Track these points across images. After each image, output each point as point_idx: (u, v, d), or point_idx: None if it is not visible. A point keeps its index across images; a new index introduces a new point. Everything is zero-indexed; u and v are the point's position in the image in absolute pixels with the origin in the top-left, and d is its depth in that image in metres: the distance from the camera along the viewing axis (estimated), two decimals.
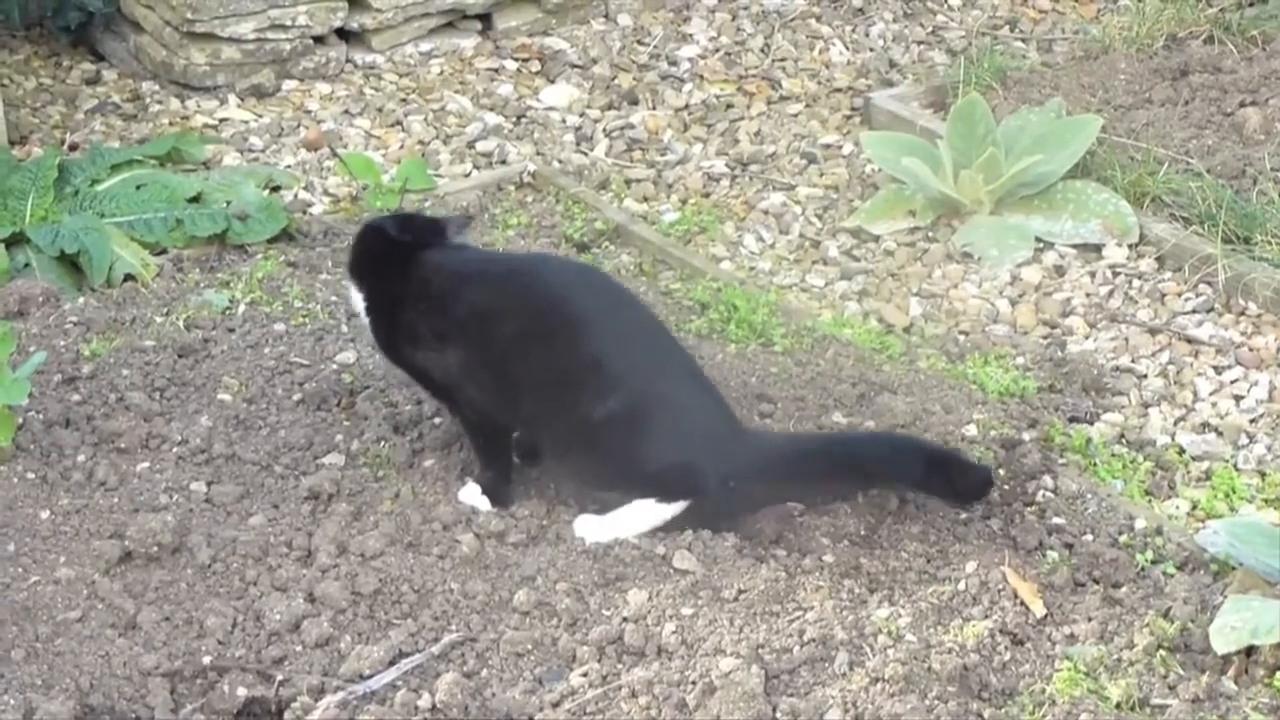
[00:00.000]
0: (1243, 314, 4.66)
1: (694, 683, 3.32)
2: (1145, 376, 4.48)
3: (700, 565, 3.66)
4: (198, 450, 3.95)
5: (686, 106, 5.71)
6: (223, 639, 3.47)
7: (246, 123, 5.53)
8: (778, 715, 3.26)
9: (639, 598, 3.55)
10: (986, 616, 3.51)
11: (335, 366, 4.25)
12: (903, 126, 5.40)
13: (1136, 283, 4.82)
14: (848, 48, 6.02)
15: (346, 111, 5.62)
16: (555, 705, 3.33)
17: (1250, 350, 4.53)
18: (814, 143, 5.53)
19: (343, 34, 5.86)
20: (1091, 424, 4.26)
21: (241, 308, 4.50)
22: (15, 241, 4.73)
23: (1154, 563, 3.73)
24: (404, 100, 5.68)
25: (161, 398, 4.14)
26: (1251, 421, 4.31)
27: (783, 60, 5.95)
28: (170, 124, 5.51)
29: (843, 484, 3.82)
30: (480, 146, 5.46)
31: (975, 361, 4.45)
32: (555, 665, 3.44)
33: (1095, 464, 4.10)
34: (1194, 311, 4.69)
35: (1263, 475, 4.12)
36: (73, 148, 5.36)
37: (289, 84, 5.73)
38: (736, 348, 4.40)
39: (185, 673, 3.41)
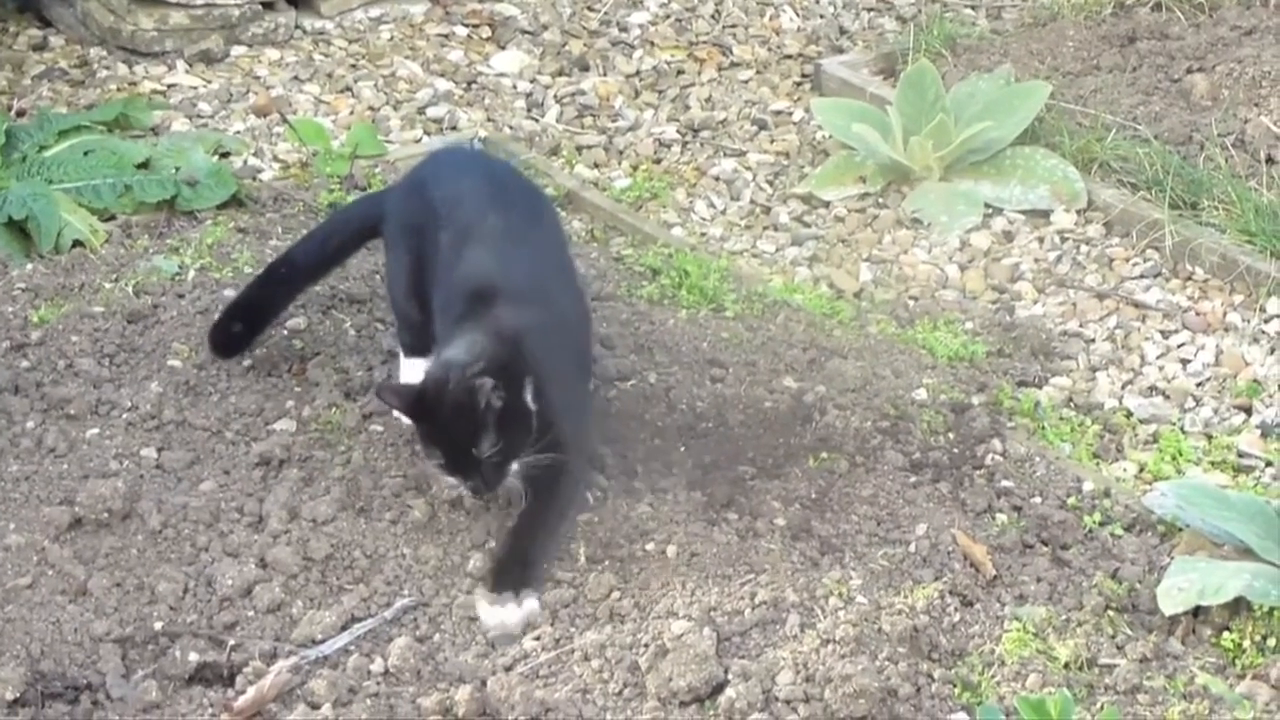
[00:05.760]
0: (1189, 279, 4.69)
1: (646, 645, 3.33)
2: (1093, 341, 4.50)
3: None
4: (148, 416, 3.94)
5: (637, 73, 5.70)
6: (174, 605, 3.47)
7: (195, 89, 5.50)
8: (729, 677, 3.27)
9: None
10: (936, 578, 3.54)
11: (286, 332, 4.23)
12: (853, 93, 5.40)
13: (1084, 248, 4.84)
14: (798, 14, 6.02)
15: (296, 77, 5.58)
16: (508, 669, 3.34)
17: (1197, 315, 4.56)
18: (765, 109, 5.53)
19: (291, 0, 5.83)
20: (1040, 388, 4.29)
21: (191, 274, 4.48)
22: None
23: (1102, 524, 3.76)
24: (354, 66, 5.65)
25: (111, 364, 4.12)
26: (1198, 385, 4.34)
27: (733, 27, 5.94)
28: (118, 90, 5.47)
29: None
30: (431, 112, 5.44)
31: (925, 326, 4.47)
32: None
33: (1044, 427, 4.13)
34: (1141, 276, 4.72)
35: (1209, 438, 4.15)
36: (20, 114, 5.31)
37: (238, 50, 5.69)
38: (688, 313, 4.41)
39: (137, 638, 3.40)
